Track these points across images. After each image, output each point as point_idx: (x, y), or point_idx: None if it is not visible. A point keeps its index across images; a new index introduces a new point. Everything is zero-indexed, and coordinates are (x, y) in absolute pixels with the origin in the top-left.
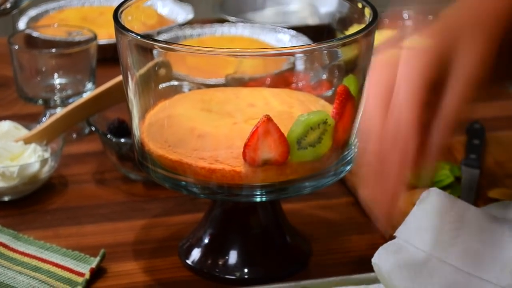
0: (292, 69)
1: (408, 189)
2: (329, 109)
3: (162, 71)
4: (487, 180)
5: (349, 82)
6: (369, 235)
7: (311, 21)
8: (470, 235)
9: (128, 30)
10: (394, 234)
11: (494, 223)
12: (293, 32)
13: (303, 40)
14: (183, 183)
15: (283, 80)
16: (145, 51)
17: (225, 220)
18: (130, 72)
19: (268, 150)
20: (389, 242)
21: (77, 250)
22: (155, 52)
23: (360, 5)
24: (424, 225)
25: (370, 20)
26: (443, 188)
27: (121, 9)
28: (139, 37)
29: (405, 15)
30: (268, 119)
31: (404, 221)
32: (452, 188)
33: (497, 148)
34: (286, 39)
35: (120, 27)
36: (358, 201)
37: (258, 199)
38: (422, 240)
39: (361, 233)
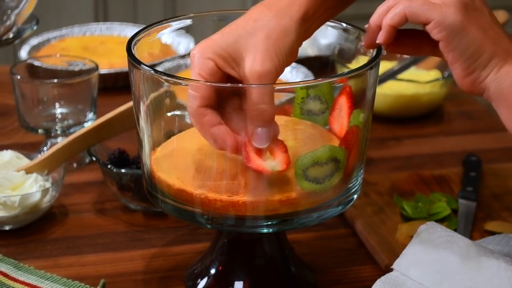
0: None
1: (406, 222)
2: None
3: (172, 100)
4: (484, 212)
5: (354, 116)
6: (367, 266)
7: (311, 52)
8: (467, 269)
9: (141, 63)
10: (392, 267)
11: (490, 257)
12: (293, 63)
13: (302, 71)
14: (191, 213)
15: (283, 111)
16: (158, 83)
17: (231, 251)
18: (142, 101)
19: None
20: (386, 275)
21: (77, 280)
22: (165, 83)
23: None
24: (421, 258)
25: (374, 55)
26: (440, 220)
27: (133, 42)
28: (152, 71)
29: None
30: None
31: (402, 254)
32: (448, 220)
33: (494, 180)
34: (286, 70)
35: (133, 61)
36: (356, 232)
37: (265, 230)
38: (419, 273)
39: (360, 264)
